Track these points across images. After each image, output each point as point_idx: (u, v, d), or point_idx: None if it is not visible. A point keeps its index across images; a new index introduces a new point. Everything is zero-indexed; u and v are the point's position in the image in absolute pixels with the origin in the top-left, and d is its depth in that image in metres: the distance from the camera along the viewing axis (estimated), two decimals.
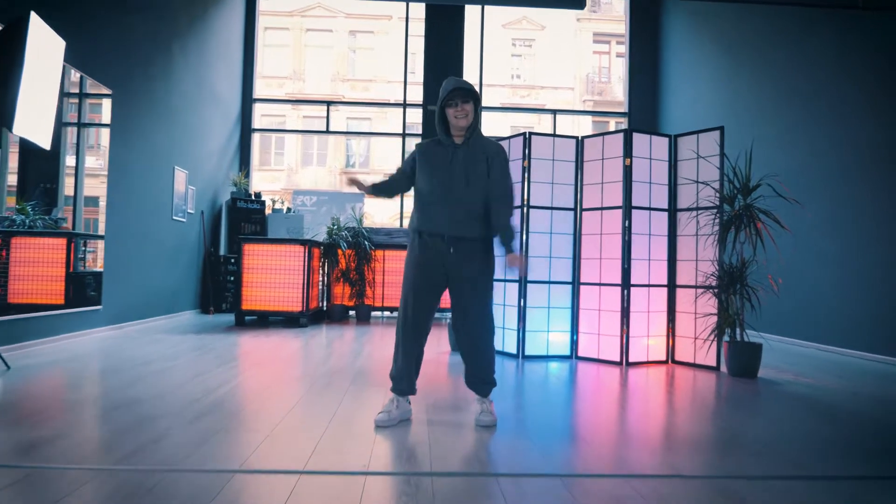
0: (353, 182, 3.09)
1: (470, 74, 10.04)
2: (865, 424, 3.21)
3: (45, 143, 3.84)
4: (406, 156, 3.22)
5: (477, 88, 10.17)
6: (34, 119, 3.62)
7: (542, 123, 18.35)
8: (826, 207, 5.84)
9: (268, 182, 20.98)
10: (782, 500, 2.06)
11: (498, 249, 2.99)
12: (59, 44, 3.90)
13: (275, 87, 21.99)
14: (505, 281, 5.22)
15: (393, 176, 3.14)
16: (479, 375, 2.98)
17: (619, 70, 22.03)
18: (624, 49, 10.47)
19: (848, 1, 4.72)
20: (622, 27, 10.60)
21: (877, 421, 3.29)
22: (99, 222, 5.96)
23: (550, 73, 22.23)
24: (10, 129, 3.45)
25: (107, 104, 5.90)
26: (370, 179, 3.15)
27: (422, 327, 2.94)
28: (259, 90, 10.39)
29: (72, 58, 5.11)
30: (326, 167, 22.67)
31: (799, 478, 2.31)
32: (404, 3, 10.25)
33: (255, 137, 10.29)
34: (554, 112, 10.56)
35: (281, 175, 22.19)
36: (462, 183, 2.87)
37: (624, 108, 10.40)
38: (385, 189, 3.13)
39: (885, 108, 5.30)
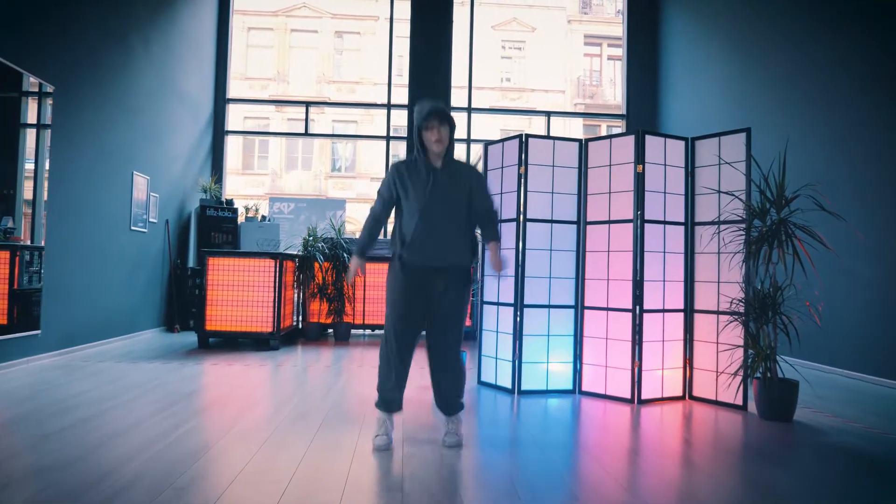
0: (356, 275, 3.14)
1: (458, 77, 9.41)
2: None
3: None
4: (386, 173, 3.11)
5: (466, 93, 9.58)
6: None
7: (534, 126, 17.75)
8: (860, 221, 5.23)
9: (251, 187, 20.25)
10: None
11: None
12: None
13: (258, 89, 21.27)
14: (498, 305, 4.57)
15: (369, 223, 3.12)
16: (448, 396, 3.05)
17: (610, 73, 21.51)
18: (616, 51, 9.96)
19: None
20: (614, 29, 10.05)
21: None
22: None
23: (541, 75, 21.67)
24: None
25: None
26: (356, 262, 3.11)
27: (409, 352, 3.00)
28: (242, 91, 9.73)
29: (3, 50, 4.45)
30: (311, 171, 21.96)
31: None
32: (388, 1, 9.62)
33: (234, 141, 9.59)
34: (548, 114, 9.93)
35: (265, 179, 21.46)
36: (442, 211, 2.90)
37: (621, 111, 9.81)
38: (372, 239, 3.13)
39: None
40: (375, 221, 3.10)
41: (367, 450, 2.92)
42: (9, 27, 4.65)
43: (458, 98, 9.48)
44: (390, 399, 3.02)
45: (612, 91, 21.29)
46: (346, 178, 22.22)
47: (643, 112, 9.50)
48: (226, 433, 3.17)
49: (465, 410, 3.47)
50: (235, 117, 9.57)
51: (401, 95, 9.44)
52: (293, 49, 21.80)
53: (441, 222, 2.90)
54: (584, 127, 19.91)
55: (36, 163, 5.18)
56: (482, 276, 4.75)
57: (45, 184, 5.20)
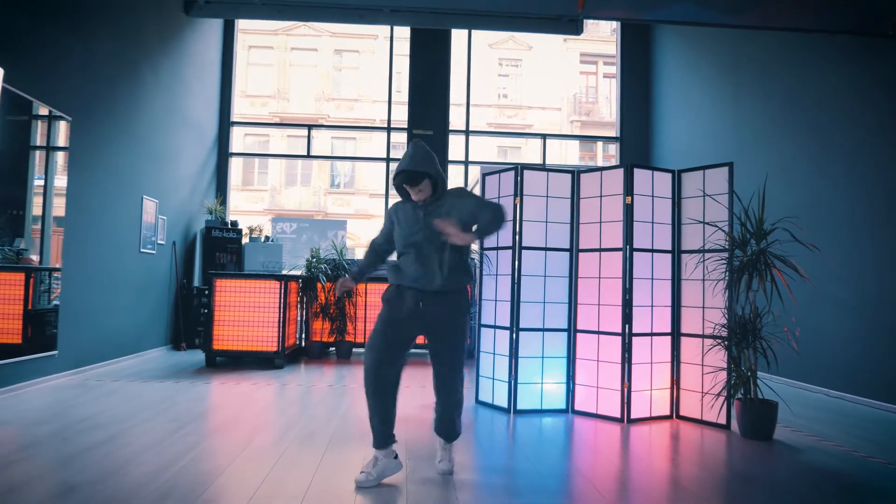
0: (345, 290, 3.30)
1: (456, 94, 9.69)
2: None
3: None
4: (386, 209, 3.12)
5: (464, 114, 9.84)
6: None
7: (529, 144, 18.05)
8: (837, 249, 5.49)
9: (251, 203, 20.50)
10: None
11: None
12: None
13: (258, 106, 21.59)
14: (495, 328, 4.81)
15: (369, 250, 3.34)
16: (443, 419, 3.13)
17: (606, 90, 21.86)
18: (611, 69, 10.27)
19: (876, 29, 4.37)
20: (609, 47, 10.36)
21: None
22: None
23: (537, 92, 22.02)
24: None
25: (65, 127, 5.46)
26: (347, 280, 3.29)
27: (391, 382, 3.00)
28: (243, 109, 9.97)
29: (22, 84, 4.70)
30: (311, 188, 22.23)
31: None
32: (388, 25, 9.91)
33: (235, 158, 9.84)
34: (544, 136, 10.21)
35: (264, 195, 21.72)
36: (430, 243, 2.99)
37: (615, 133, 10.09)
38: (369, 266, 3.35)
39: None
40: (372, 250, 3.31)
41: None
42: (33, 61, 4.91)
43: (456, 119, 9.76)
44: (377, 433, 3.00)
45: (609, 108, 21.63)
46: (346, 195, 22.48)
47: (636, 135, 9.79)
48: (239, 453, 3.39)
49: (463, 430, 3.68)
50: (237, 134, 9.81)
51: (400, 113, 9.69)
52: (293, 67, 22.15)
53: (429, 252, 2.98)
54: (580, 145, 20.25)
55: (45, 184, 5.38)
56: (480, 300, 4.99)
57: (55, 203, 5.43)
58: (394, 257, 3.22)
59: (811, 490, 3.06)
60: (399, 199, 3.20)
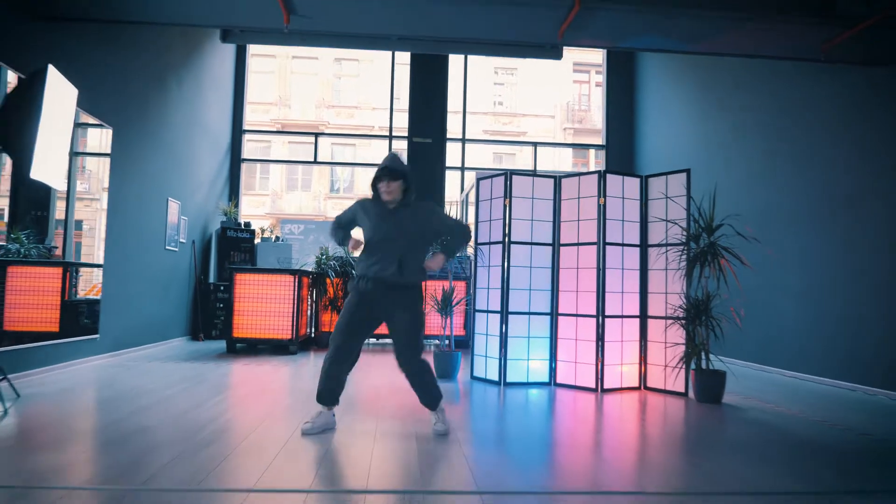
0: (355, 247, 3.53)
1: (453, 102, 10.41)
2: (808, 445, 3.53)
3: (60, 184, 4.12)
4: (353, 203, 3.66)
5: (460, 123, 10.57)
6: (49, 163, 3.89)
7: (524, 151, 18.81)
8: (792, 244, 6.24)
9: (253, 207, 21.18)
10: None
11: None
12: (71, 92, 4.18)
13: (261, 113, 22.30)
14: (487, 312, 5.53)
15: (334, 226, 3.68)
16: (422, 395, 3.63)
17: (598, 98, 22.64)
18: (602, 78, 10.96)
19: (812, 55, 5.12)
20: (601, 57, 11.07)
21: (825, 446, 3.62)
22: (82, 245, 6.17)
23: (532, 100, 22.80)
24: (27, 174, 3.71)
25: (93, 132, 6.12)
26: (351, 243, 3.55)
27: (349, 355, 3.52)
28: (246, 116, 10.64)
29: (79, 100, 5.40)
30: (311, 192, 22.93)
31: (745, 493, 2.62)
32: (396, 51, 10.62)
33: (242, 166, 10.55)
34: (535, 144, 10.94)
35: (266, 200, 22.43)
36: (393, 242, 3.43)
37: (602, 141, 10.84)
38: (343, 237, 3.65)
39: (844, 155, 5.73)
40: (340, 227, 3.64)
41: (382, 432, 3.82)
42: (87, 79, 5.61)
43: (453, 126, 10.49)
44: (328, 395, 3.56)
45: (600, 115, 22.46)
46: (345, 199, 23.13)
47: (621, 143, 10.55)
48: (269, 413, 4.08)
49: (459, 397, 4.38)
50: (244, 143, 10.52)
51: (399, 119, 10.37)
52: (294, 74, 22.90)
53: (391, 249, 3.40)
54: (573, 152, 21.02)
55: (69, 187, 5.86)
56: (474, 289, 5.71)
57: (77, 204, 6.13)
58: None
59: (753, 437, 3.77)
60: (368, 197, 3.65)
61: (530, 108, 23.07)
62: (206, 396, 4.49)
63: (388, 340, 8.04)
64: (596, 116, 22.05)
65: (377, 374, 5.74)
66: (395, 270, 3.39)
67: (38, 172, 3.76)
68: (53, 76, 3.88)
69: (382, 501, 2.44)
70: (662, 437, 3.76)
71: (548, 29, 4.83)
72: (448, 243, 3.67)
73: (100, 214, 6.25)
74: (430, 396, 3.63)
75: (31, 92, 3.77)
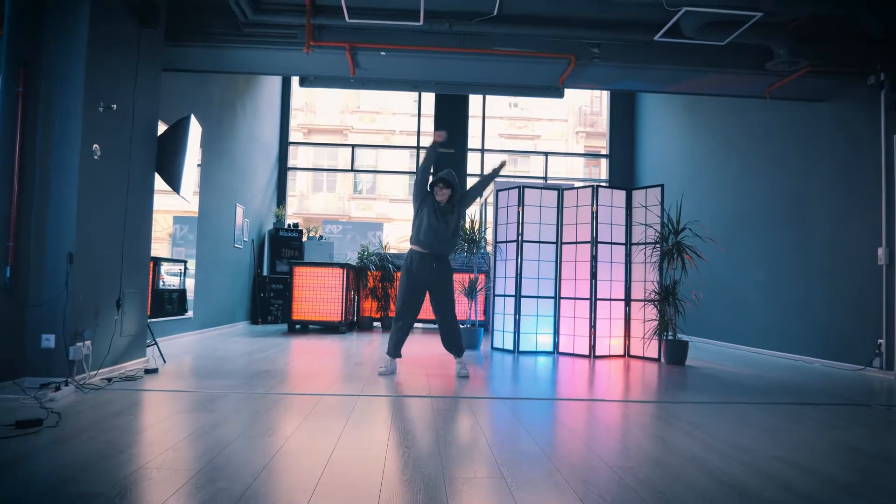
0: (438, 139, 4.94)
1: (473, 106, 11.80)
2: (736, 385, 4.95)
3: (191, 199, 5.60)
4: (420, 187, 5.07)
5: (479, 134, 12.00)
6: (187, 184, 5.39)
7: (535, 158, 20.20)
8: (755, 242, 7.65)
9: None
10: (693, 411, 3.81)
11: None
12: (199, 130, 5.66)
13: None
14: (504, 296, 6.99)
15: (421, 170, 5.09)
16: (451, 341, 5.08)
17: (607, 103, 24.02)
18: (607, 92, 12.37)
19: (759, 94, 6.53)
20: None
21: (749, 386, 5.03)
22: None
23: (545, 105, 24.14)
24: (178, 193, 5.21)
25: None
26: (439, 136, 4.96)
27: (411, 317, 5.05)
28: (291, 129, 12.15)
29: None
30: (336, 194, 24.45)
31: (700, 402, 4.05)
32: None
33: (288, 174, 12.06)
34: (546, 154, 12.37)
35: (293, 201, 23.94)
36: (439, 227, 4.87)
37: (606, 150, 12.24)
38: (430, 165, 5.06)
39: (792, 170, 7.13)
40: (426, 169, 5.05)
41: (431, 375, 5.29)
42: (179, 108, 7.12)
43: (472, 131, 11.93)
44: (395, 349, 5.05)
45: (606, 124, 23.78)
46: (368, 200, 24.55)
47: (623, 153, 11.96)
48: (345, 364, 5.57)
49: (482, 360, 5.81)
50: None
51: (425, 124, 11.82)
52: None
53: (438, 233, 4.84)
54: (584, 157, 22.37)
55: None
56: (494, 278, 7.17)
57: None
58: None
59: (706, 381, 5.19)
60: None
61: (544, 112, 24.39)
62: (288, 358, 5.98)
63: (433, 326, 9.60)
64: (607, 121, 23.36)
65: (423, 347, 7.22)
66: (443, 246, 4.89)
67: (184, 192, 5.25)
68: (193, 121, 5.37)
69: (414, 402, 3.90)
70: (638, 379, 5.19)
71: (551, 77, 6.28)
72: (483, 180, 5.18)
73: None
74: (456, 346, 5.08)
75: (179, 132, 5.26)
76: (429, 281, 4.94)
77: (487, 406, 3.89)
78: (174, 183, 5.20)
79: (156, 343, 5.32)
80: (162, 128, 5.38)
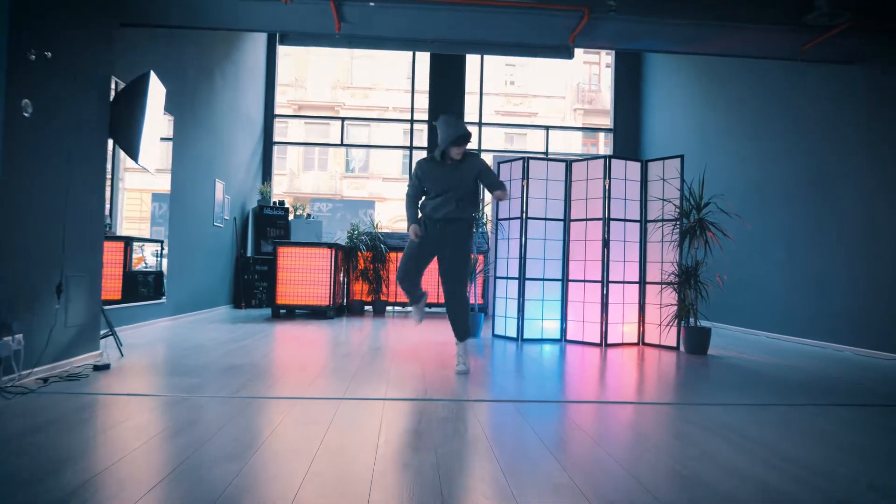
0: (415, 234, 4.35)
1: (470, 82, 11.10)
2: (763, 378, 4.36)
3: (153, 169, 4.93)
4: (411, 174, 4.53)
5: (476, 108, 11.32)
6: (149, 152, 4.72)
7: (536, 132, 19.47)
8: (777, 220, 7.03)
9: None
10: (710, 414, 3.21)
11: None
12: (162, 90, 4.98)
13: (278, 94, 23.03)
14: (507, 279, 6.36)
15: (410, 203, 4.46)
16: (456, 321, 4.39)
17: (608, 79, 23.24)
18: (611, 60, 11.64)
19: (792, 55, 5.86)
20: None
21: (781, 378, 4.45)
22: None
23: (543, 81, 23.40)
24: (136, 161, 4.54)
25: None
26: (413, 228, 4.35)
27: (415, 275, 4.44)
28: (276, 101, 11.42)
29: None
30: (328, 172, 23.72)
31: (719, 404, 3.46)
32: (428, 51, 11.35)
33: (274, 148, 11.36)
34: (546, 128, 11.69)
35: (283, 179, 23.23)
36: (454, 188, 4.28)
37: (610, 124, 11.57)
38: (415, 211, 4.46)
39: (817, 142, 6.48)
40: (412, 200, 4.45)
41: (429, 370, 4.68)
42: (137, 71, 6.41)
43: (469, 108, 11.23)
44: (413, 295, 4.54)
45: (609, 96, 23.08)
46: (360, 179, 23.88)
47: (628, 126, 11.28)
48: (331, 356, 4.95)
49: (483, 349, 5.21)
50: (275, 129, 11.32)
51: (410, 100, 11.12)
52: (309, 55, 23.54)
53: (452, 195, 4.25)
54: (582, 134, 21.67)
55: (113, 167, 6.64)
56: (495, 259, 6.53)
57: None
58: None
59: (729, 373, 4.60)
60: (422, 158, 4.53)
61: (541, 89, 23.65)
62: (271, 347, 5.35)
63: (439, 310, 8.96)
64: (605, 97, 22.56)
65: (421, 336, 6.61)
66: (454, 207, 4.25)
67: (143, 160, 4.58)
68: (154, 80, 4.69)
69: (401, 405, 3.29)
70: (654, 373, 4.59)
71: (561, 34, 5.59)
72: (496, 187, 4.38)
73: (122, 194, 7.07)
74: (461, 328, 4.39)
75: (136, 93, 4.58)
76: (439, 244, 4.34)
77: (491, 413, 3.28)
78: (131, 150, 4.53)
79: (113, 333, 4.67)
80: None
